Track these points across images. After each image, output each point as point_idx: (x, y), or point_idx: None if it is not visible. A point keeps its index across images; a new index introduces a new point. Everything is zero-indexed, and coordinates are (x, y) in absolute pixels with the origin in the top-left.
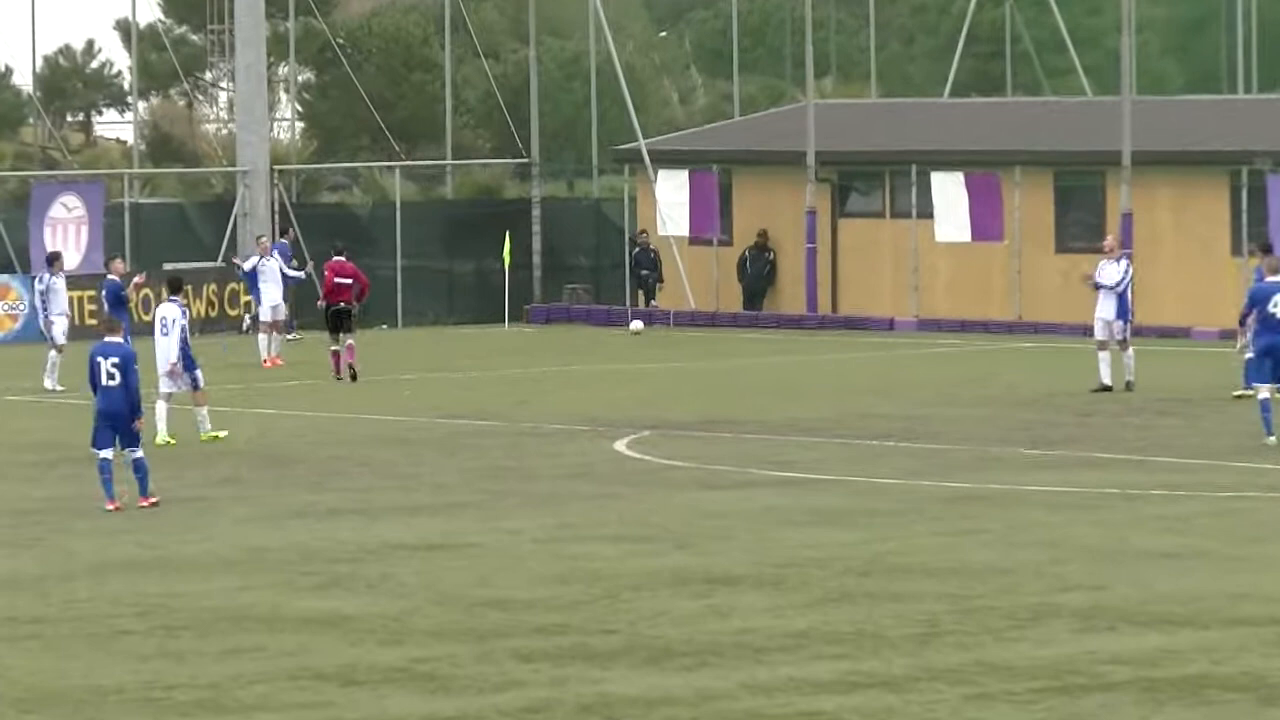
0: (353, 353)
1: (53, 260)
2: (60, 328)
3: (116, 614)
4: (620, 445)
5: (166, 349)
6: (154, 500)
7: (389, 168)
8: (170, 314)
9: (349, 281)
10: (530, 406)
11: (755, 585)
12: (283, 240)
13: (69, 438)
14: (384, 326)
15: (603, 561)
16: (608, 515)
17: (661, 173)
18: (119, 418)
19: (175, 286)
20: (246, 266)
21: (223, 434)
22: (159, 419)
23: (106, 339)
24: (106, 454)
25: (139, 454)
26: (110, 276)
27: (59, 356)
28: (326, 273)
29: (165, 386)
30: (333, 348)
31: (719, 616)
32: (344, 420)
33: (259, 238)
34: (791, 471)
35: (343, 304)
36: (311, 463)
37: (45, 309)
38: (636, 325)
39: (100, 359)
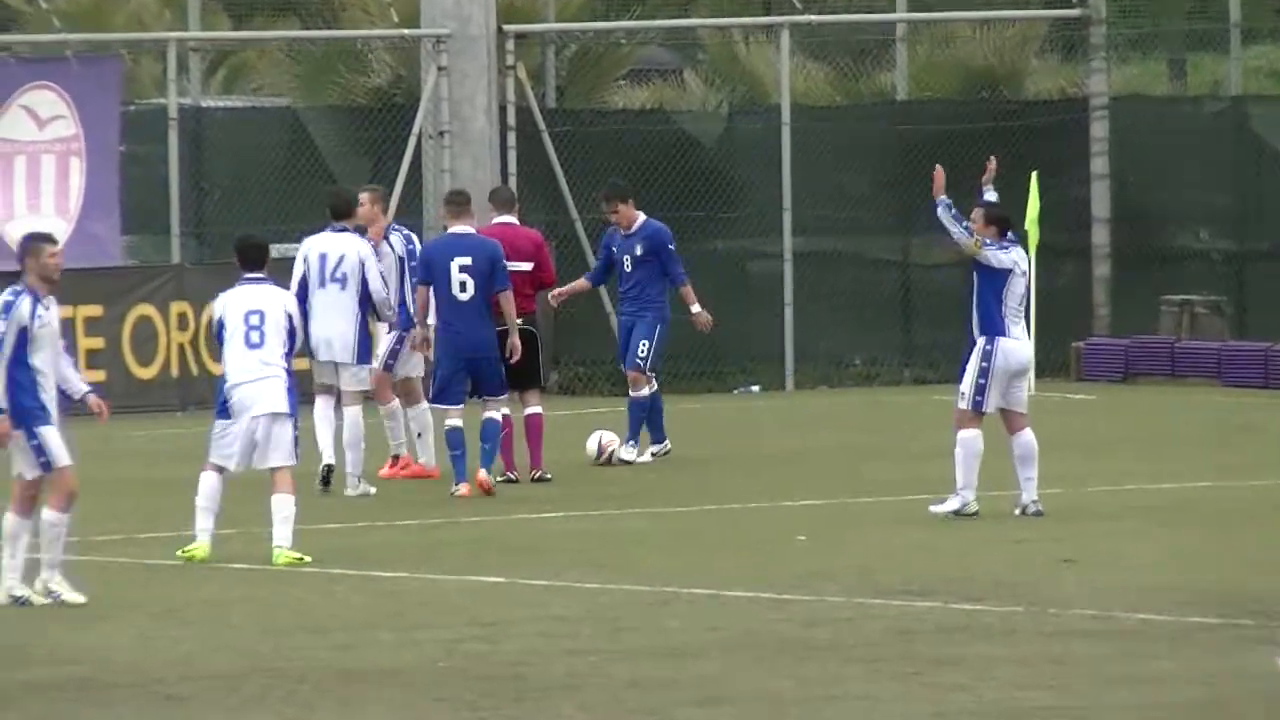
0: (540, 432)
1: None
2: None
3: None
4: None
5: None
6: None
7: (765, 29)
8: None
9: (524, 269)
10: (1084, 570)
11: None
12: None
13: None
14: (752, 388)
15: None
16: None
17: None
18: None
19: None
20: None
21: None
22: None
23: None
24: None
25: None
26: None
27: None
28: None
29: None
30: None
31: None
32: (649, 598)
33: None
34: None
35: (519, 320)
36: (590, 691)
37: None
38: None
39: None
